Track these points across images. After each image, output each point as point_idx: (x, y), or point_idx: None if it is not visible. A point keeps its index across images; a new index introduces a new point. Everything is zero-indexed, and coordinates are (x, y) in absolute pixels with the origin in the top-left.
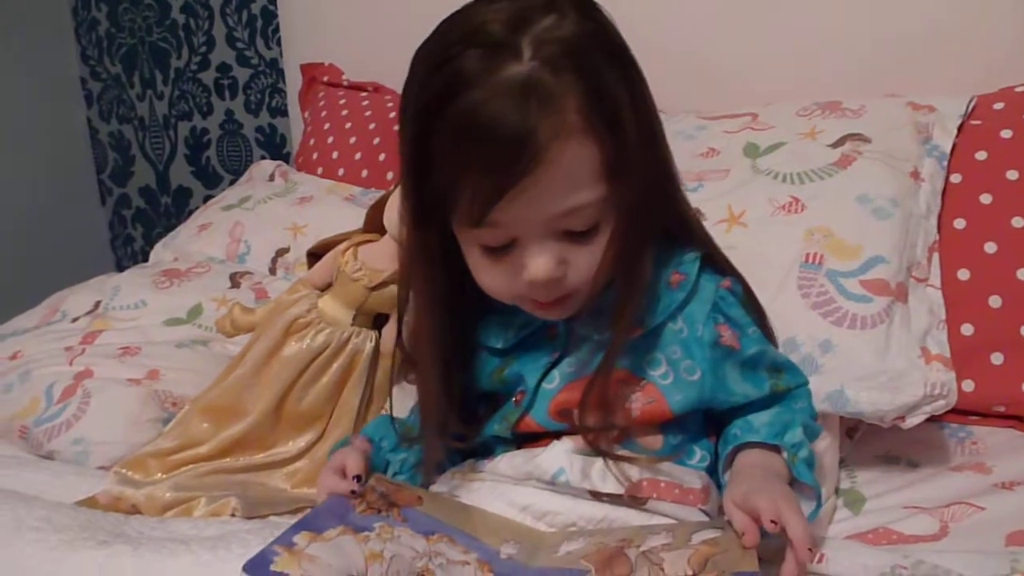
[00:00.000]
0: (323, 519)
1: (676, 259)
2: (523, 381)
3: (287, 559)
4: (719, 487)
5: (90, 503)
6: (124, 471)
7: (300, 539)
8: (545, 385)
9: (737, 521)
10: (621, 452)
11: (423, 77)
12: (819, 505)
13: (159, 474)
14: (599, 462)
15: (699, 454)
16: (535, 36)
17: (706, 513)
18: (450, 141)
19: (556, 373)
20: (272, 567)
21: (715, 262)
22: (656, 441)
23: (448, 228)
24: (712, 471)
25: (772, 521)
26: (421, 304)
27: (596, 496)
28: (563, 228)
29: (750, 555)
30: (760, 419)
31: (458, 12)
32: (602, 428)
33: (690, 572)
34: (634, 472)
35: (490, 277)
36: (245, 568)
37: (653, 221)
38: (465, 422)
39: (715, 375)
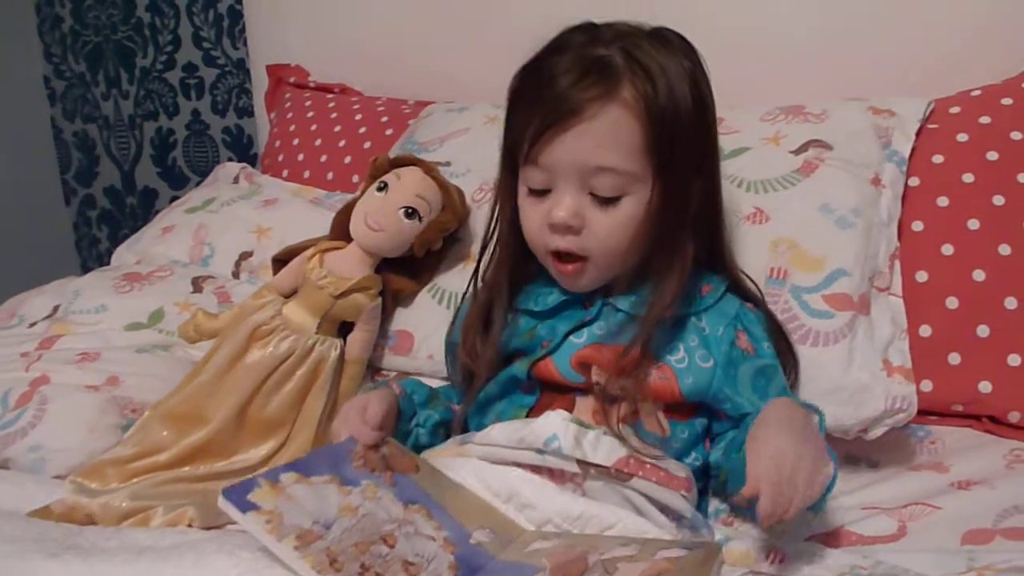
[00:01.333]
0: (316, 465)
1: (708, 278)
2: (554, 333)
3: (267, 491)
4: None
5: (44, 513)
6: (80, 480)
7: (286, 477)
8: (573, 339)
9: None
10: (623, 431)
11: (541, 45)
12: (834, 480)
13: (116, 483)
14: (592, 433)
15: (693, 455)
16: (633, 44)
17: (687, 500)
18: (527, 86)
19: (585, 332)
20: (249, 496)
21: (743, 292)
22: (664, 430)
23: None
24: (699, 476)
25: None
26: (502, 229)
27: (584, 468)
28: (590, 188)
29: (703, 572)
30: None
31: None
32: (618, 395)
33: None
34: (624, 450)
35: (529, 219)
36: (224, 492)
37: (695, 226)
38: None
39: (726, 371)
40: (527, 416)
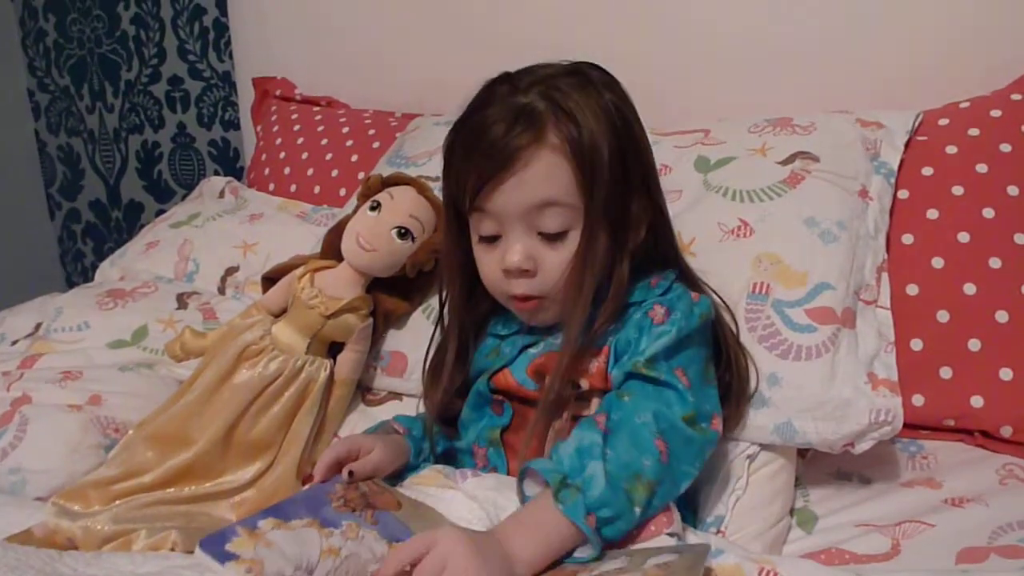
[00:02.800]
0: (296, 508)
1: (657, 273)
2: (515, 347)
3: (245, 540)
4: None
5: (25, 537)
6: (62, 502)
7: (265, 524)
8: (530, 350)
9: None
10: None
11: (472, 98)
12: (596, 548)
13: (98, 505)
14: None
15: None
16: (551, 86)
17: (675, 535)
18: (462, 141)
19: (542, 343)
20: (227, 545)
21: (690, 283)
22: None
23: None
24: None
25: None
26: (450, 275)
27: None
28: (538, 228)
29: (694, 572)
30: (567, 448)
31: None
32: (561, 394)
33: None
34: None
35: (485, 266)
36: (201, 542)
37: (647, 236)
38: (460, 395)
39: (637, 333)
40: (502, 432)
